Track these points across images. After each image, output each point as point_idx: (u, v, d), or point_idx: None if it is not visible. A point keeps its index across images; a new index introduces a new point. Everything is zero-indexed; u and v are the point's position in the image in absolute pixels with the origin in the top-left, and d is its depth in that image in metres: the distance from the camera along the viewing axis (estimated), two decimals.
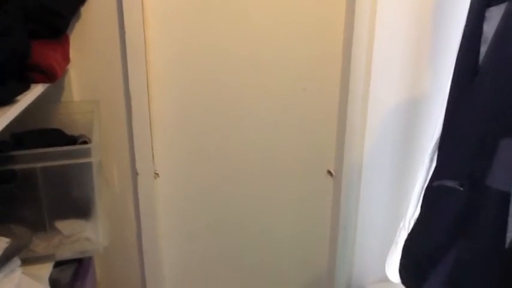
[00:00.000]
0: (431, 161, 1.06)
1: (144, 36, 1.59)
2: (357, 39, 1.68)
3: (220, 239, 1.96)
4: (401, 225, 1.17)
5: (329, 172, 1.92)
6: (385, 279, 1.31)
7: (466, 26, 0.85)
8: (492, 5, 0.79)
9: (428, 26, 1.68)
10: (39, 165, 1.25)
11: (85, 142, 1.40)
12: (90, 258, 1.64)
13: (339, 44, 1.77)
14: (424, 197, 1.00)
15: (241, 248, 1.99)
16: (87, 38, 1.58)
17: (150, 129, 1.69)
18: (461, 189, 0.83)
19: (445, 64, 1.01)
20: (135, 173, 1.73)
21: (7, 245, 1.07)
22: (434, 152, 1.04)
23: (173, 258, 1.94)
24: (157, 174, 1.78)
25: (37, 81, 1.18)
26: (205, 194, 1.89)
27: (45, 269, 1.31)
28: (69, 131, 1.48)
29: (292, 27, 1.74)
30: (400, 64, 1.72)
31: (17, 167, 1.24)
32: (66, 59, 1.50)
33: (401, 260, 1.16)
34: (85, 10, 1.56)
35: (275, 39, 1.74)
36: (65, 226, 1.36)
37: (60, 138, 1.42)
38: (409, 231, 1.11)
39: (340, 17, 1.74)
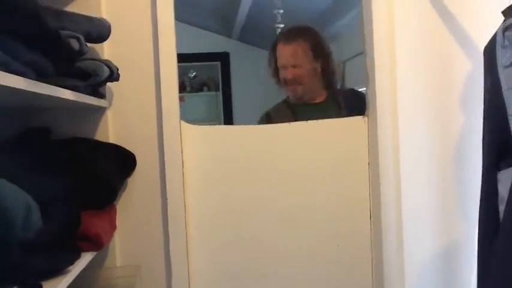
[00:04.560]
0: None
1: (184, 204, 1.70)
2: (385, 200, 1.74)
3: None
4: None
5: None
6: None
7: (482, 186, 0.92)
8: (502, 169, 0.87)
9: (452, 174, 1.74)
10: None
11: None
12: None
13: (367, 203, 1.84)
14: None
15: None
16: (131, 206, 1.68)
17: None
18: None
19: (475, 212, 1.06)
20: None
21: None
22: None
23: None
24: None
25: (84, 250, 1.24)
26: None
27: None
28: None
29: (324, 192, 1.84)
30: (429, 217, 1.75)
31: None
32: (113, 227, 1.59)
33: None
34: (130, 180, 1.69)
35: (309, 202, 1.83)
36: None
37: None
38: None
39: (364, 181, 1.84)
